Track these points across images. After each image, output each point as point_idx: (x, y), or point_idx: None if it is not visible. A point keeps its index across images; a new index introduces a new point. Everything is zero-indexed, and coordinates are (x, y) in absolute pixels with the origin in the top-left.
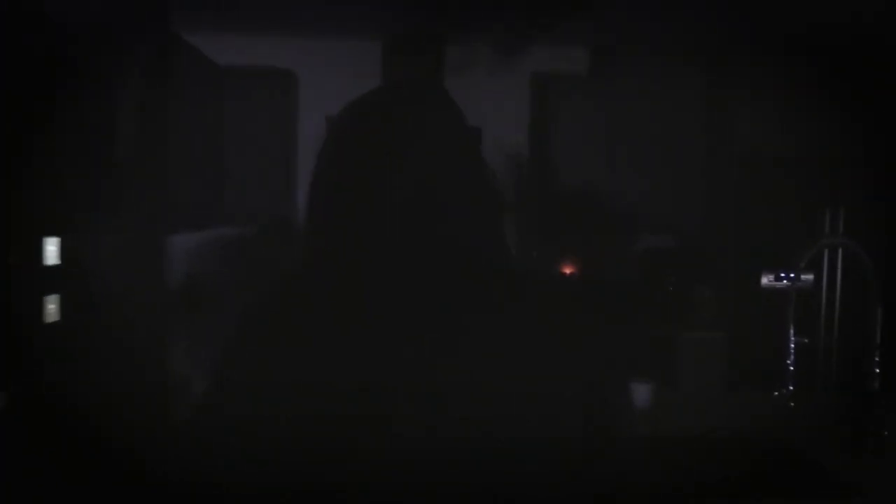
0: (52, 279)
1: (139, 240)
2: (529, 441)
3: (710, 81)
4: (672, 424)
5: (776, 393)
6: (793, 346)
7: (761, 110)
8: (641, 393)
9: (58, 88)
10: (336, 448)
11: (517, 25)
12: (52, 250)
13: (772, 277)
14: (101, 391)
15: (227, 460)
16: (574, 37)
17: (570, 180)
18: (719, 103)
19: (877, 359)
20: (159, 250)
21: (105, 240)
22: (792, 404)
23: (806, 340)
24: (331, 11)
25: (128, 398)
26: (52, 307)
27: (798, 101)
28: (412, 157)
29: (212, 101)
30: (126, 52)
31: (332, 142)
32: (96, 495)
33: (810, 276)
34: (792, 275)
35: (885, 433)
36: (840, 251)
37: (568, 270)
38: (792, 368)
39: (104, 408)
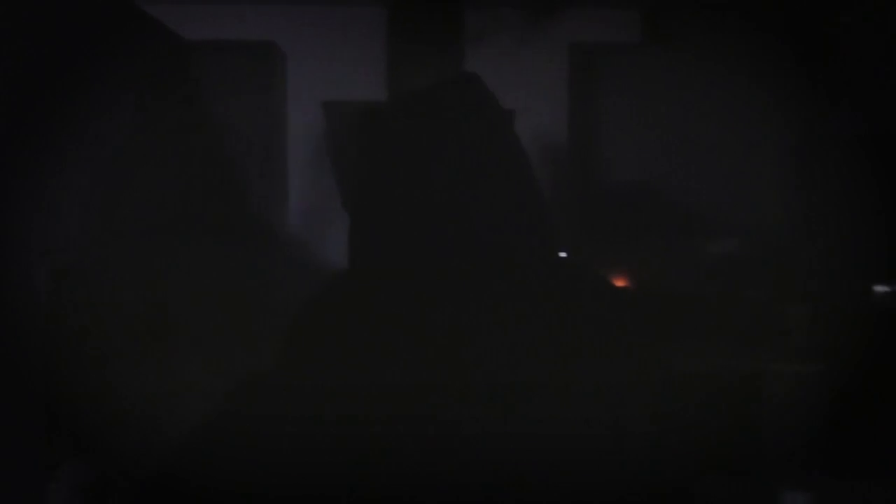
0: None
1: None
2: (569, 441)
3: (797, 49)
4: None
5: None
6: None
7: (864, 81)
8: None
9: None
10: (378, 449)
11: None
12: None
13: (886, 287)
14: None
15: (252, 461)
16: None
17: (620, 172)
18: (810, 75)
19: None
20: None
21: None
22: None
23: None
24: None
25: None
26: None
27: None
28: (454, 158)
29: (179, 82)
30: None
31: (370, 146)
32: None
33: None
34: None
35: None
36: None
37: (619, 283)
38: None
39: None
